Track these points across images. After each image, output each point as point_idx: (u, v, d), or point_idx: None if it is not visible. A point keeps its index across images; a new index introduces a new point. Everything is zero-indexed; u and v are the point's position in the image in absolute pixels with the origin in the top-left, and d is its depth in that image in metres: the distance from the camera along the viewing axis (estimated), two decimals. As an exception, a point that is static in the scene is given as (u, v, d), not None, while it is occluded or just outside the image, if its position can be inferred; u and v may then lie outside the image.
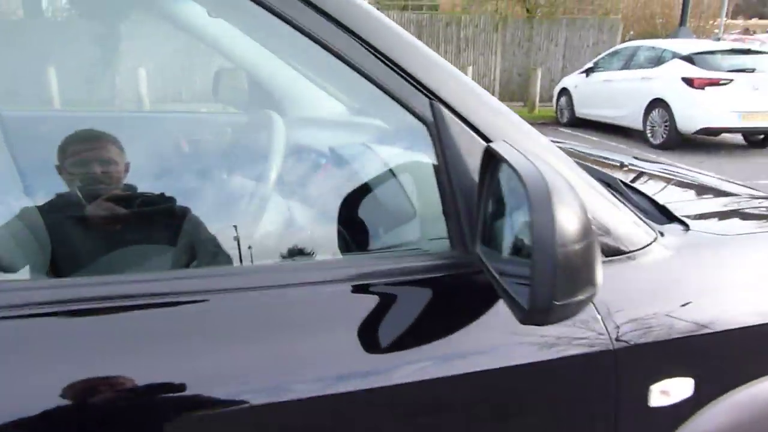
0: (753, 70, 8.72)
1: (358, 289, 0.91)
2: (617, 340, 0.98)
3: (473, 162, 0.93)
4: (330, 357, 0.85)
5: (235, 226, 1.17)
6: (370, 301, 0.91)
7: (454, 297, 0.96)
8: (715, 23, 19.98)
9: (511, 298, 0.76)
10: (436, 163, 0.96)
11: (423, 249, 1.04)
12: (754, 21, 39.91)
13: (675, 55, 9.14)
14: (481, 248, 0.88)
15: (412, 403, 0.88)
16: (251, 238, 1.16)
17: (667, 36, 15.25)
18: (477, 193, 0.88)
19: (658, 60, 9.48)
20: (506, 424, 0.96)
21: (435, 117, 0.93)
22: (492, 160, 0.84)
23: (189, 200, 1.25)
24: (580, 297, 0.69)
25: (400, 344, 0.89)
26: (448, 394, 0.90)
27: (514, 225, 0.77)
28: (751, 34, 23.30)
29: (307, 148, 1.35)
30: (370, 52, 0.90)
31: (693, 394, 1.05)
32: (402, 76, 0.92)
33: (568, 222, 0.67)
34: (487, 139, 0.96)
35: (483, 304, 0.94)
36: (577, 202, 0.69)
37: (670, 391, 1.03)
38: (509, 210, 0.79)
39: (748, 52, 9.25)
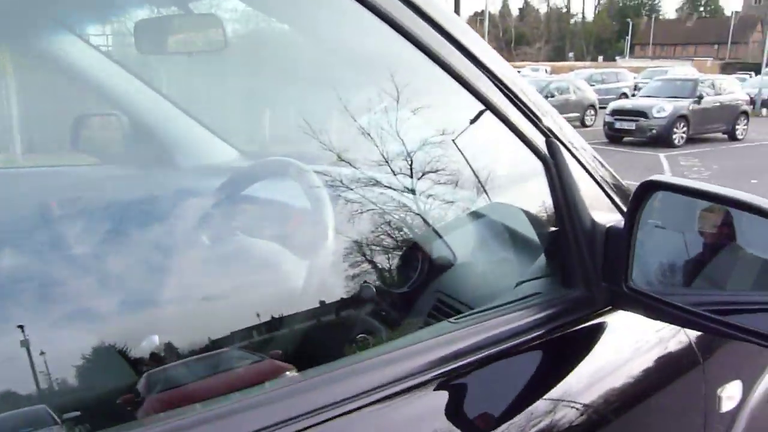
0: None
1: (462, 372, 0.78)
2: (701, 352, 1.05)
3: (589, 199, 0.95)
4: None
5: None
6: (487, 378, 0.81)
7: (583, 338, 0.95)
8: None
9: (746, 329, 0.78)
10: (548, 201, 0.95)
11: (520, 296, 0.98)
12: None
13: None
14: (636, 284, 0.88)
15: None
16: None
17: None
18: (625, 229, 0.88)
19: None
20: None
21: (554, 155, 0.92)
22: (648, 196, 0.86)
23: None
24: None
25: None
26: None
27: (721, 259, 0.80)
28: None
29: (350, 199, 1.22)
30: (500, 89, 0.87)
31: (741, 395, 1.16)
32: (525, 113, 0.90)
33: None
34: (591, 174, 0.97)
35: (602, 337, 0.95)
36: None
37: (732, 394, 1.13)
38: (695, 245, 0.82)
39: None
